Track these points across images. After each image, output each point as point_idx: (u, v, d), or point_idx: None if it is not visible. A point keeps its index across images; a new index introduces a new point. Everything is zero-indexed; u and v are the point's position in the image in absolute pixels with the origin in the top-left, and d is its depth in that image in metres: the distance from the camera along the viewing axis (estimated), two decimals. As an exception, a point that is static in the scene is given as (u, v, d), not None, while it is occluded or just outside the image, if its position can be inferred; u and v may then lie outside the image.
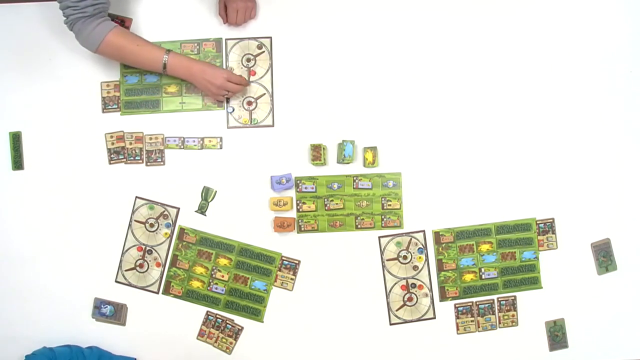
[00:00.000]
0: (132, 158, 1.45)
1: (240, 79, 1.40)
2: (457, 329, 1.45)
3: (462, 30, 1.45)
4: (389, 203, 1.44)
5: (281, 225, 1.43)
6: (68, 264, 1.44)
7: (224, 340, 1.45)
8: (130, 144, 1.45)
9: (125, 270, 1.45)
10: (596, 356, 1.44)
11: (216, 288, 1.44)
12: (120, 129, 1.45)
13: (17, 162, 1.45)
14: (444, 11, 1.45)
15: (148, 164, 1.45)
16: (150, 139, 1.45)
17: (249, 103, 1.46)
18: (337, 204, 1.44)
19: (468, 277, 1.45)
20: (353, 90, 1.45)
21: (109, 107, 1.45)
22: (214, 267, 1.44)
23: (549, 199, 1.45)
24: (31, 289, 1.44)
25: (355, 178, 1.44)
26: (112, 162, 1.45)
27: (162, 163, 1.45)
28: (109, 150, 1.45)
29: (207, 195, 1.45)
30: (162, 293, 1.45)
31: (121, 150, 1.45)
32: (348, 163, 1.44)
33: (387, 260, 1.44)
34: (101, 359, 1.37)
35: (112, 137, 1.45)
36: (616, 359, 1.45)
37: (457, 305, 1.45)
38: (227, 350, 1.45)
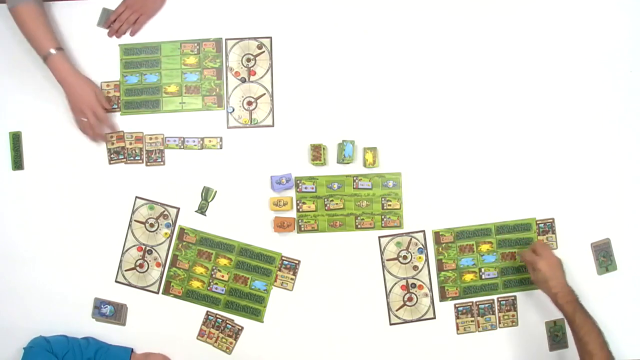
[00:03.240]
0: (132, 158, 1.45)
1: (107, 103, 1.40)
2: (457, 329, 1.45)
3: (462, 31, 1.45)
4: (389, 203, 1.44)
5: (281, 225, 1.43)
6: (68, 264, 1.44)
7: (224, 340, 1.45)
8: (130, 144, 1.45)
9: (125, 270, 1.45)
10: (596, 356, 1.44)
11: (216, 288, 1.44)
12: (120, 128, 1.45)
13: (17, 162, 1.45)
14: (444, 11, 1.45)
15: (148, 164, 1.45)
16: (150, 139, 1.45)
17: (249, 103, 1.46)
18: (337, 204, 1.44)
19: (468, 277, 1.45)
20: (353, 90, 1.45)
21: (109, 107, 1.45)
22: (214, 267, 1.44)
23: (549, 199, 1.45)
24: (31, 289, 1.44)
25: (355, 178, 1.44)
26: (112, 162, 1.45)
27: (162, 163, 1.45)
28: (109, 150, 1.45)
29: (207, 195, 1.45)
30: (162, 293, 1.45)
31: (121, 150, 1.45)
32: (348, 163, 1.44)
33: (387, 260, 1.44)
34: (99, 350, 1.37)
35: (112, 137, 1.45)
36: (616, 359, 1.45)
37: (457, 305, 1.45)
38: (227, 350, 1.45)
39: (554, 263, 1.33)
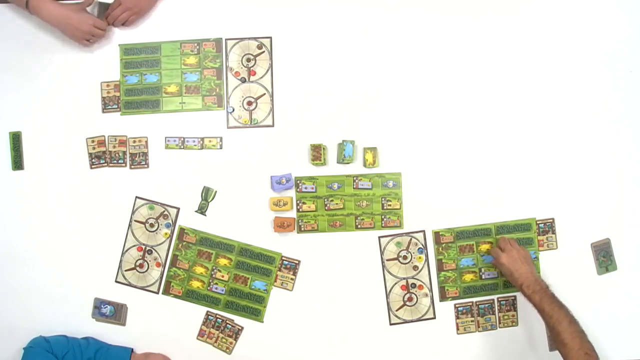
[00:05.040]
0: (115, 161, 1.44)
1: (103, 23, 1.40)
2: (457, 329, 1.45)
3: (462, 31, 1.45)
4: (389, 203, 1.44)
5: (281, 225, 1.43)
6: (68, 264, 1.44)
7: (224, 340, 1.45)
8: (114, 147, 1.44)
9: (125, 270, 1.45)
10: (596, 356, 1.44)
11: (216, 288, 1.44)
12: (120, 128, 1.45)
13: (17, 162, 1.45)
14: (444, 11, 1.45)
15: (132, 167, 1.44)
16: (134, 141, 1.45)
17: (249, 103, 1.46)
18: (337, 204, 1.44)
19: (468, 277, 1.45)
20: (353, 90, 1.45)
21: (109, 107, 1.45)
22: (214, 267, 1.44)
23: (549, 199, 1.45)
24: (31, 289, 1.44)
25: (355, 178, 1.44)
26: (93, 166, 1.44)
27: (145, 166, 1.44)
28: (90, 154, 1.44)
29: (207, 195, 1.45)
30: (162, 293, 1.45)
31: (102, 155, 1.44)
32: (348, 163, 1.44)
33: (387, 260, 1.44)
34: (99, 350, 1.37)
35: (93, 141, 1.44)
36: (616, 359, 1.45)
37: (457, 305, 1.45)
38: (227, 350, 1.45)
39: (516, 256, 1.35)
